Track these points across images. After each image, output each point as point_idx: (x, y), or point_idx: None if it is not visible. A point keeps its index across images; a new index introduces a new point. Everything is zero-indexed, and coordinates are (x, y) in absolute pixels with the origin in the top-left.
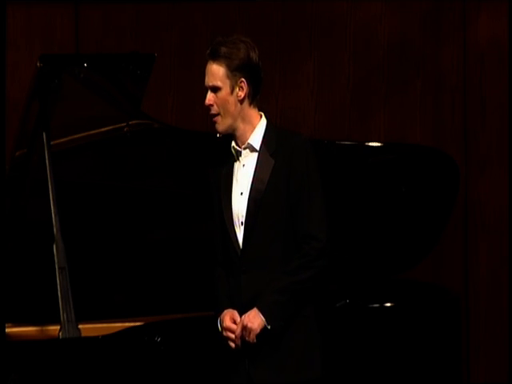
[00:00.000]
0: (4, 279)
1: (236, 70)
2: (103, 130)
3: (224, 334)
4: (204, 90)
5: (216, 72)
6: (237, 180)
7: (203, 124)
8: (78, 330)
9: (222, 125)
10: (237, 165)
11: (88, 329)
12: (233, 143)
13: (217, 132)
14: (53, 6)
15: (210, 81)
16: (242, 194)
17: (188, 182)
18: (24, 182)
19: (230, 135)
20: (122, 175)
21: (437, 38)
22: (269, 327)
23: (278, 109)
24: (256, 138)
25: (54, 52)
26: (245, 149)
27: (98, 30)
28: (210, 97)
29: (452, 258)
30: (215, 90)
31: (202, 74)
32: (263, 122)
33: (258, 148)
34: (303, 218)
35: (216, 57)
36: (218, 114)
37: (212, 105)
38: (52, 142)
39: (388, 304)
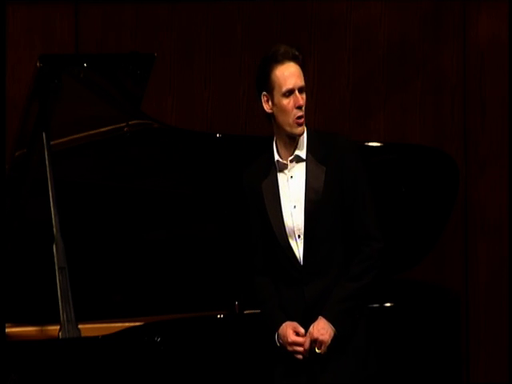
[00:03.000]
0: (4, 279)
1: None
2: (103, 130)
3: (289, 348)
4: (203, 91)
5: (302, 74)
6: (286, 192)
7: (203, 124)
8: (78, 329)
9: (304, 127)
10: (282, 176)
11: (88, 329)
12: (276, 156)
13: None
14: (53, 5)
15: (301, 81)
16: (295, 206)
17: (188, 182)
18: (24, 182)
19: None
20: (122, 175)
21: (437, 38)
22: (338, 335)
23: None
24: (301, 146)
25: (53, 52)
26: (291, 161)
27: (98, 29)
28: (302, 97)
29: (452, 258)
30: (303, 91)
31: (200, 74)
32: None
33: (304, 157)
34: (360, 219)
35: (299, 60)
36: (303, 116)
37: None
38: (52, 142)
39: (388, 304)
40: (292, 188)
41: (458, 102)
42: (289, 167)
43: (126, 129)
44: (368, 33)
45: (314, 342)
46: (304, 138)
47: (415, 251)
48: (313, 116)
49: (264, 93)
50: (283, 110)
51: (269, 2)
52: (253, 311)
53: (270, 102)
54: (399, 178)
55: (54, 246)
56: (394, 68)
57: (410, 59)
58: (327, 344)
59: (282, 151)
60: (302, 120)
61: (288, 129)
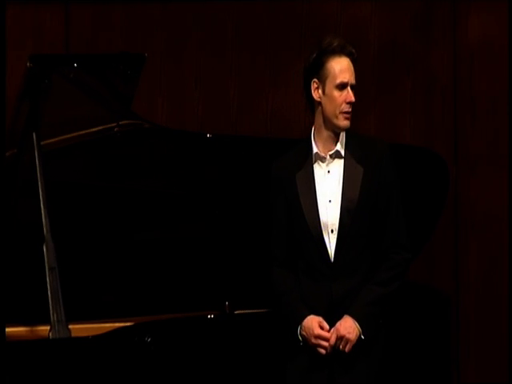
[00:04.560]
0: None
1: None
2: (93, 130)
3: (313, 341)
4: (193, 91)
5: (354, 72)
6: (322, 186)
7: (193, 124)
8: (68, 330)
9: (349, 122)
10: (319, 170)
11: (78, 329)
12: (315, 149)
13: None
14: (43, 6)
15: (353, 79)
16: (330, 201)
17: (179, 183)
18: (14, 183)
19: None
20: (113, 175)
21: (427, 38)
22: (362, 337)
23: (269, 108)
24: (341, 143)
25: (43, 52)
26: (331, 156)
27: (88, 30)
28: (353, 94)
29: (442, 258)
30: (354, 88)
31: (191, 74)
32: None
33: (343, 154)
34: (392, 225)
35: (354, 58)
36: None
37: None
38: (42, 142)
39: None
40: (329, 183)
41: (449, 102)
42: (327, 161)
43: (116, 129)
44: (358, 33)
45: (339, 339)
46: (343, 136)
47: None
48: (303, 115)
49: (315, 80)
50: (333, 101)
51: (260, 2)
52: (243, 311)
53: (319, 90)
54: None
55: (44, 247)
56: (384, 68)
57: (400, 59)
58: (353, 343)
59: (321, 144)
60: (349, 115)
61: (334, 120)
